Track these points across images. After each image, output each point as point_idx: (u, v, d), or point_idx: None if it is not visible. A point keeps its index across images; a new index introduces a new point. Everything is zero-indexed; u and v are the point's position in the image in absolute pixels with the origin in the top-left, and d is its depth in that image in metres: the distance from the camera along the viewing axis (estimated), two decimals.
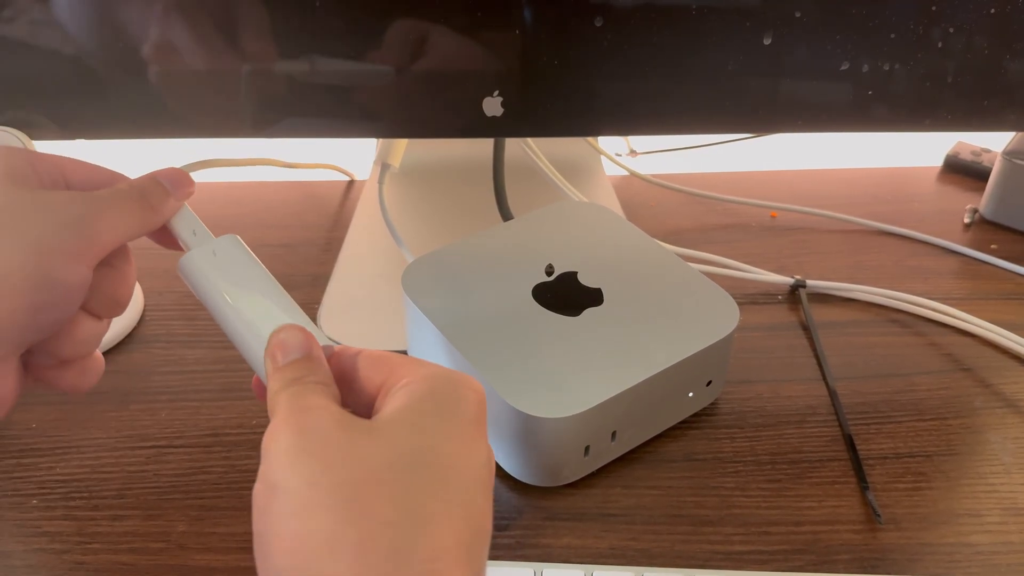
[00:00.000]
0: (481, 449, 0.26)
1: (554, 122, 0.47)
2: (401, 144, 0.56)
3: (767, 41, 0.44)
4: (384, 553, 0.22)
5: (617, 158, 0.69)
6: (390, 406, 0.26)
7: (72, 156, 0.33)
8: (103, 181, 0.33)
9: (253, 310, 0.31)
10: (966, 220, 0.64)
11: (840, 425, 0.45)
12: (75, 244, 0.28)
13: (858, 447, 0.44)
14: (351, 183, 0.70)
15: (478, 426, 0.26)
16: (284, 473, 0.23)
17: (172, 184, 0.33)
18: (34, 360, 0.31)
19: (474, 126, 0.46)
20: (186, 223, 0.33)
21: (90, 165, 0.33)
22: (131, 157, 0.76)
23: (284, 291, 0.32)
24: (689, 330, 0.43)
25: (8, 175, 0.29)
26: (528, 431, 0.39)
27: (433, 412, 0.26)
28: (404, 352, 0.48)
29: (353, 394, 0.28)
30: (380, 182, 0.55)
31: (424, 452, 0.24)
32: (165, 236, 0.34)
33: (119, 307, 0.33)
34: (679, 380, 0.42)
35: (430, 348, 0.44)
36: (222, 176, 0.71)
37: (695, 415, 0.46)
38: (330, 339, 0.30)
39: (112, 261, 0.32)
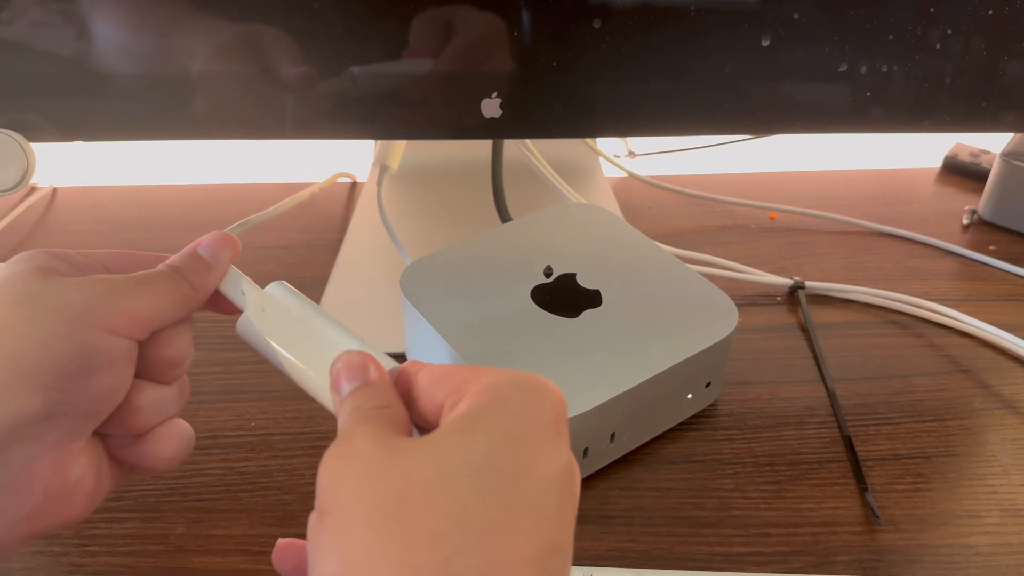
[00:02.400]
0: (558, 456, 0.24)
1: (552, 123, 0.47)
2: (399, 146, 0.56)
3: (765, 43, 0.44)
4: (431, 566, 0.20)
5: (616, 159, 0.69)
6: (447, 419, 0.24)
7: (114, 250, 0.32)
8: (147, 266, 0.31)
9: (312, 355, 0.30)
10: (965, 221, 0.64)
11: (839, 426, 0.45)
12: (109, 319, 0.28)
13: (857, 448, 0.44)
14: (350, 185, 0.70)
15: (555, 432, 0.24)
16: (329, 498, 0.23)
17: (215, 253, 0.32)
18: (113, 443, 0.30)
19: (472, 127, 0.46)
20: (233, 285, 0.33)
21: (131, 254, 0.32)
22: (131, 157, 0.76)
23: (338, 323, 0.31)
24: (688, 332, 0.43)
25: (41, 269, 0.28)
26: None
27: (495, 418, 0.24)
28: (403, 355, 0.48)
29: (417, 413, 0.27)
30: (378, 184, 0.55)
31: (482, 458, 0.22)
32: (219, 303, 0.33)
33: (177, 372, 0.32)
34: (678, 382, 0.42)
35: (429, 350, 0.44)
36: (221, 177, 0.71)
37: (694, 417, 0.46)
38: (394, 359, 0.30)
39: (164, 330, 0.31)
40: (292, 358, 0.30)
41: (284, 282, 0.32)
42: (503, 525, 0.21)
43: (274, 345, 0.31)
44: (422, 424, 0.27)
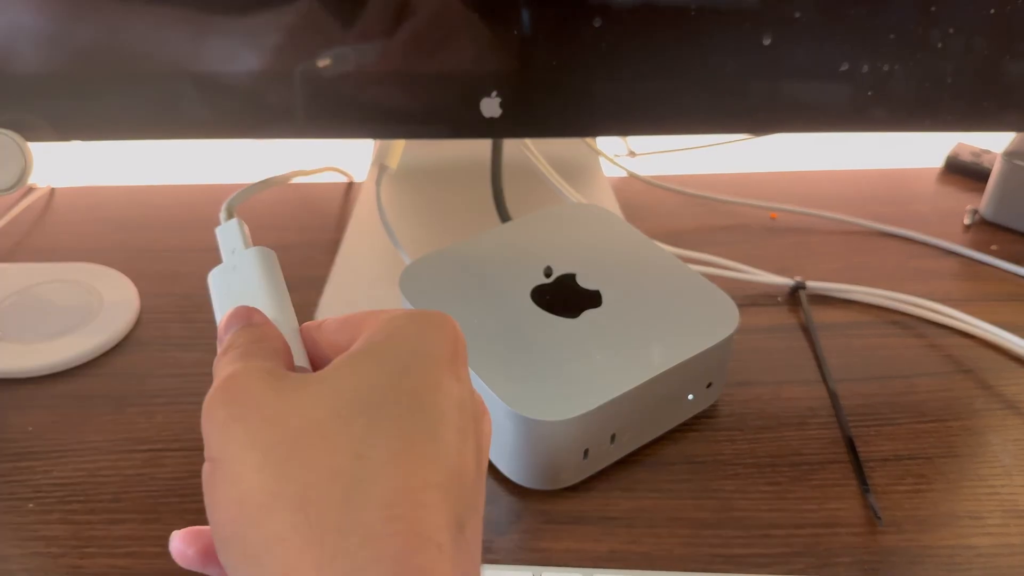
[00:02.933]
0: (453, 387, 0.23)
1: (552, 123, 0.47)
2: (398, 145, 0.56)
3: (766, 42, 0.44)
4: (331, 504, 0.20)
5: (616, 159, 0.69)
6: (340, 357, 0.23)
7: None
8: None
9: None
10: (966, 221, 0.64)
11: (840, 427, 0.45)
12: None
13: (859, 449, 0.43)
14: (348, 184, 0.69)
15: (452, 364, 0.23)
16: (219, 445, 0.22)
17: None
18: None
19: (472, 127, 0.46)
20: (229, 240, 0.33)
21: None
22: (129, 157, 0.76)
23: (287, 306, 0.30)
24: (689, 332, 0.42)
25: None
26: (527, 434, 0.38)
27: (389, 350, 0.23)
28: None
29: (325, 363, 0.26)
30: (377, 184, 0.55)
31: (376, 391, 0.22)
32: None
33: None
34: (679, 382, 0.42)
35: None
36: (220, 177, 0.71)
37: (695, 417, 0.45)
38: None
39: None
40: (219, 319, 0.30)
41: (271, 253, 0.32)
42: (403, 453, 0.21)
43: (217, 307, 0.30)
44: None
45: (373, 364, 0.23)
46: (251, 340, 0.25)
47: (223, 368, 0.24)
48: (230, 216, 0.34)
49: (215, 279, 0.31)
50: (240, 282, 0.31)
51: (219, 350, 0.26)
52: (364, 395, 0.22)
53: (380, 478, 0.20)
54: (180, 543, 0.25)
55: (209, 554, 0.25)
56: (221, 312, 0.30)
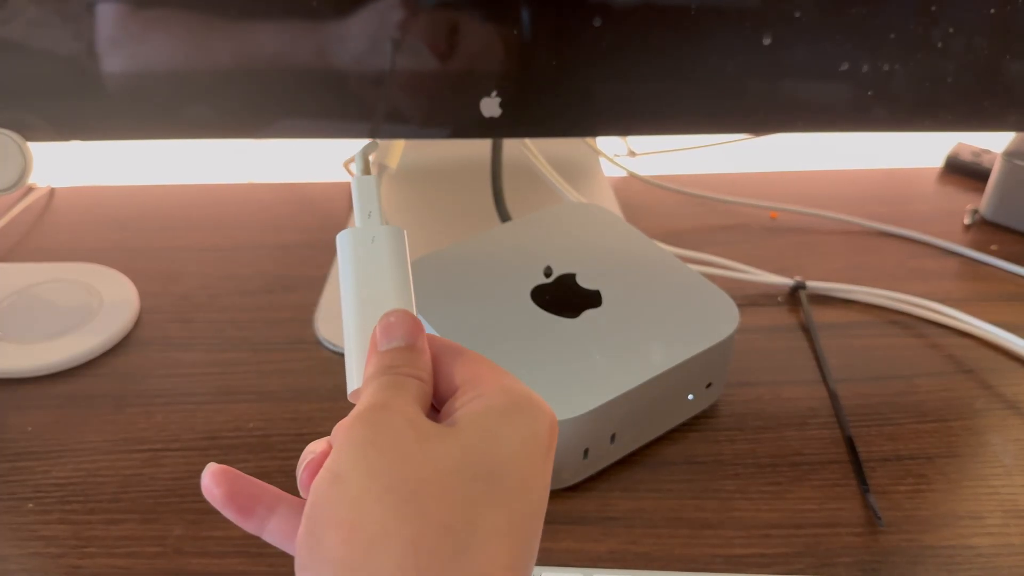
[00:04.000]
0: (548, 475, 0.25)
1: (552, 123, 0.47)
2: (398, 145, 0.56)
3: (767, 41, 0.44)
4: (441, 556, 0.21)
5: (616, 159, 0.69)
6: (466, 411, 0.25)
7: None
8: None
9: (372, 297, 0.29)
10: (966, 221, 0.64)
11: (841, 427, 0.45)
12: None
13: (859, 449, 0.43)
14: (349, 184, 0.69)
15: (548, 451, 0.25)
16: (349, 463, 0.23)
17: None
18: None
19: (472, 127, 0.46)
20: (366, 202, 0.32)
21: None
22: (128, 157, 0.76)
23: (412, 294, 0.30)
24: (689, 332, 0.42)
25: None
26: None
27: (509, 427, 0.24)
28: None
29: (433, 387, 0.28)
30: (377, 184, 0.54)
31: (495, 464, 0.23)
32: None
33: None
34: (679, 382, 0.42)
35: None
36: (219, 177, 0.71)
37: (695, 417, 0.45)
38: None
39: None
40: (353, 292, 0.29)
41: (404, 233, 0.31)
42: (504, 532, 0.22)
43: (350, 271, 0.30)
44: (433, 399, 0.27)
45: (498, 435, 0.24)
46: (410, 371, 0.26)
47: (377, 390, 0.25)
48: (366, 168, 0.33)
49: (348, 241, 0.30)
50: (377, 260, 0.30)
51: (379, 351, 0.27)
52: (486, 462, 0.23)
53: (488, 548, 0.22)
54: (210, 480, 0.26)
55: (234, 498, 0.26)
56: (350, 281, 0.29)
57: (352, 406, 0.26)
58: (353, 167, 0.34)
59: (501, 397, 0.25)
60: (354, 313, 0.29)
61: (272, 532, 0.26)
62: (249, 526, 0.26)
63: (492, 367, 0.27)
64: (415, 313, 0.29)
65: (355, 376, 0.28)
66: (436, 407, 0.27)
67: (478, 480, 0.23)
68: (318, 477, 0.23)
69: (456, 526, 0.22)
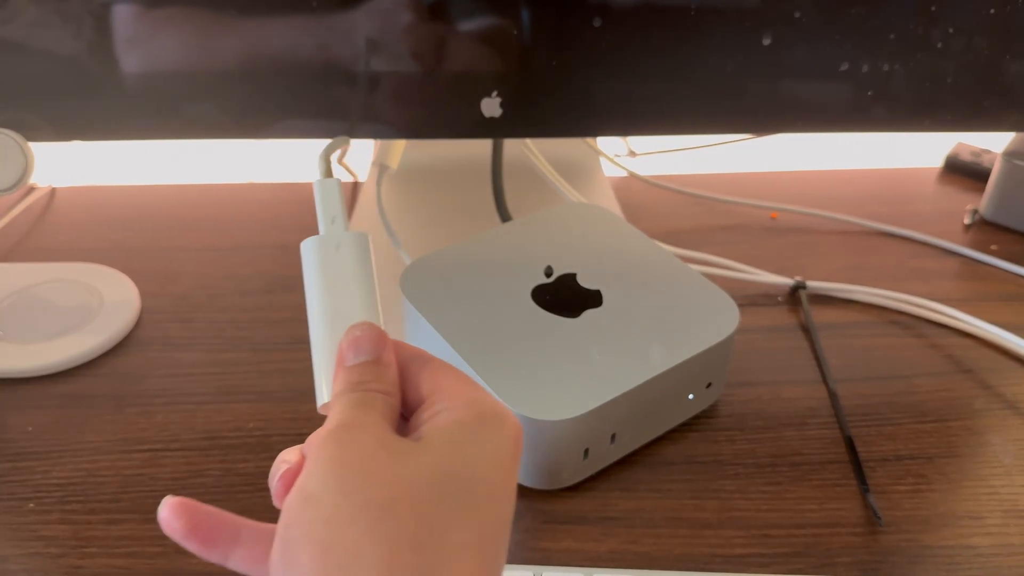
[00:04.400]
0: (514, 483, 0.26)
1: (553, 123, 0.47)
2: (399, 145, 0.56)
3: (766, 41, 0.44)
4: (415, 573, 0.22)
5: (616, 159, 0.69)
6: (433, 426, 0.25)
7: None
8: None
9: (337, 307, 0.29)
10: (966, 221, 0.64)
11: (840, 427, 0.45)
12: None
13: (858, 449, 0.43)
14: (350, 184, 0.69)
15: (514, 461, 0.26)
16: (321, 483, 0.23)
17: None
18: None
19: (472, 127, 0.46)
20: (329, 207, 0.32)
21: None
22: (129, 157, 0.76)
23: (378, 303, 0.30)
24: (689, 332, 0.42)
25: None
26: (527, 433, 0.38)
27: (475, 441, 0.25)
28: None
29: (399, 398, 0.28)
30: (378, 183, 0.55)
31: (461, 480, 0.24)
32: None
33: None
34: (679, 382, 0.42)
35: (428, 350, 0.44)
36: (219, 177, 0.71)
37: (695, 417, 0.45)
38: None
39: None
40: (318, 303, 0.29)
41: (368, 238, 0.31)
42: (470, 547, 0.23)
43: (315, 281, 0.30)
44: (402, 408, 0.28)
45: (465, 450, 0.25)
46: (377, 386, 0.27)
47: (346, 408, 0.26)
48: (328, 170, 0.33)
49: (312, 249, 0.30)
50: (342, 268, 0.30)
51: (346, 366, 0.27)
52: (455, 479, 0.24)
53: (459, 563, 0.22)
54: (169, 513, 0.27)
55: (195, 531, 0.26)
56: (315, 288, 0.29)
57: (322, 418, 0.27)
58: (318, 166, 0.33)
59: (467, 410, 0.26)
60: (320, 324, 0.29)
61: (238, 560, 0.27)
62: (213, 557, 0.27)
63: (458, 377, 0.27)
64: (381, 322, 0.29)
65: (324, 389, 0.28)
66: (405, 416, 0.27)
67: (447, 497, 0.23)
68: (290, 495, 0.24)
69: (428, 543, 0.22)
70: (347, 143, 0.34)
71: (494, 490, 0.24)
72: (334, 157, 0.34)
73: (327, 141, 0.34)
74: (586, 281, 0.46)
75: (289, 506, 0.24)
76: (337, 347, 0.28)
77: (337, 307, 0.29)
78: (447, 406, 0.26)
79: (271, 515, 0.40)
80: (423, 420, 0.26)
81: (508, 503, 0.25)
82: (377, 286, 0.30)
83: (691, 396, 0.44)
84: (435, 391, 0.27)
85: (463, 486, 0.24)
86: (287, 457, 0.27)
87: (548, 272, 0.46)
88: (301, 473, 0.24)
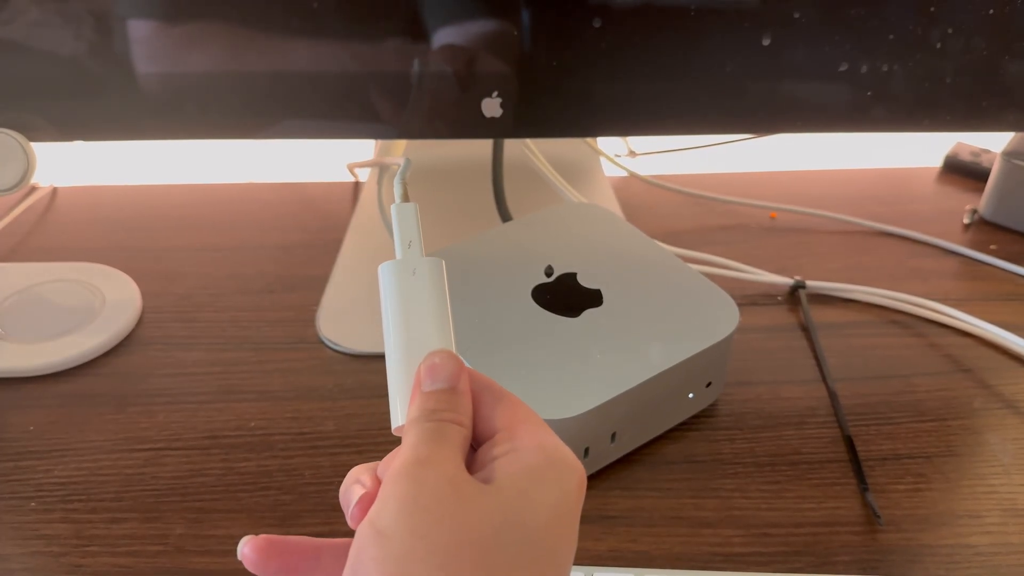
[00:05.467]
0: (575, 531, 0.26)
1: (553, 123, 0.47)
2: (400, 145, 0.56)
3: (766, 42, 0.44)
4: None
5: (616, 159, 0.69)
6: (502, 469, 0.26)
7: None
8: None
9: (414, 333, 0.29)
10: (965, 221, 0.64)
11: (840, 426, 0.45)
12: None
13: (858, 448, 0.43)
14: (351, 184, 0.70)
15: (576, 508, 0.26)
16: (393, 520, 0.24)
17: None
18: None
19: (473, 127, 0.46)
20: (406, 231, 0.32)
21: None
22: (131, 157, 0.76)
23: (451, 330, 0.30)
24: (689, 331, 0.43)
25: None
26: None
27: (543, 488, 0.25)
28: None
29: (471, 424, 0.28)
30: (378, 184, 0.55)
31: (527, 528, 0.24)
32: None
33: None
34: (679, 381, 0.42)
35: None
36: (221, 177, 0.71)
37: (695, 417, 0.45)
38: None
39: None
40: (395, 327, 0.30)
41: (443, 264, 0.31)
42: None
43: (392, 305, 0.30)
44: (472, 439, 0.28)
45: (532, 497, 0.25)
46: (452, 416, 0.27)
47: (420, 441, 0.26)
48: (405, 194, 0.33)
49: (389, 274, 0.30)
50: (418, 293, 0.30)
51: (423, 391, 0.27)
52: (521, 527, 0.24)
53: None
54: (253, 554, 0.27)
55: (283, 569, 0.27)
56: (392, 312, 0.30)
57: (396, 440, 0.27)
58: (396, 190, 0.33)
59: (536, 456, 0.26)
60: (397, 348, 0.29)
61: None
62: None
63: (528, 415, 0.27)
64: (455, 349, 0.29)
65: (399, 413, 0.28)
66: (473, 447, 0.27)
67: (512, 545, 0.24)
68: (363, 525, 0.24)
69: None
70: (410, 163, 0.35)
71: (556, 539, 0.25)
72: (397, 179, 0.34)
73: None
74: (586, 281, 0.46)
75: (362, 534, 0.24)
76: (413, 372, 0.28)
77: (414, 331, 0.29)
78: (516, 447, 0.26)
79: (272, 514, 0.40)
80: (493, 456, 0.26)
81: (568, 551, 0.25)
82: (451, 313, 0.30)
83: (691, 395, 0.44)
84: (506, 428, 0.27)
85: (527, 534, 0.24)
86: (361, 479, 0.27)
87: (548, 272, 0.46)
88: (375, 503, 0.25)
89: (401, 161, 0.35)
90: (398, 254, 0.31)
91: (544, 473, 0.25)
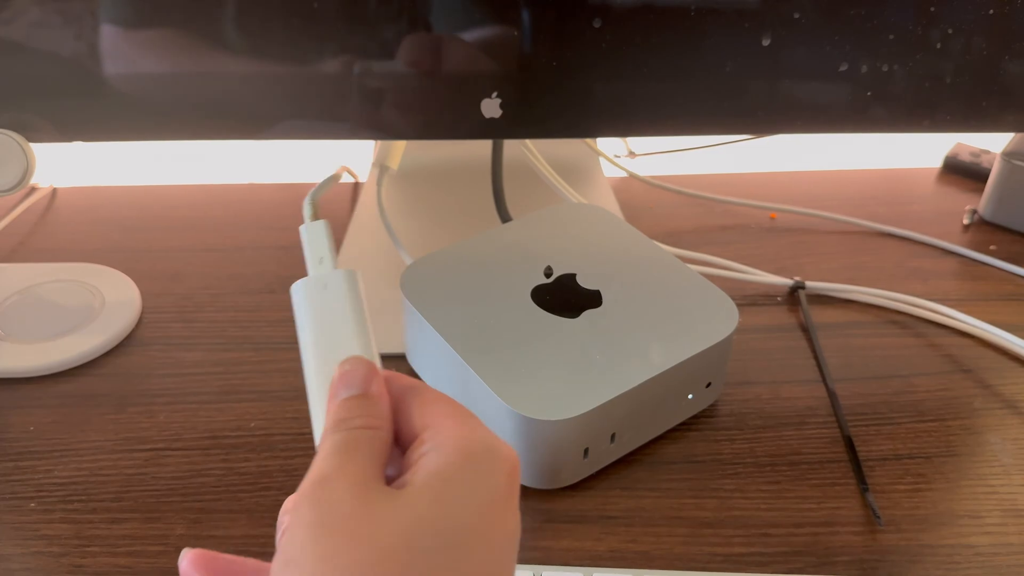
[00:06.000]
0: (509, 522, 0.24)
1: (553, 123, 0.47)
2: (399, 146, 0.56)
3: (766, 42, 0.44)
4: None
5: (616, 159, 0.69)
6: (420, 470, 0.24)
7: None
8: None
9: (328, 347, 0.29)
10: (965, 221, 0.64)
11: (839, 426, 0.45)
12: None
13: (858, 448, 0.43)
14: (351, 185, 0.70)
15: (508, 499, 0.25)
16: (300, 548, 0.22)
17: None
18: None
19: (472, 128, 0.46)
20: (316, 248, 0.31)
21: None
22: (131, 157, 0.76)
23: (371, 337, 0.30)
24: (688, 332, 0.43)
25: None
26: (527, 433, 0.39)
27: (464, 485, 0.24)
28: (402, 355, 0.48)
29: (393, 432, 0.27)
30: (378, 184, 0.55)
31: (451, 531, 0.23)
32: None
33: None
34: (678, 382, 0.42)
35: (429, 351, 0.44)
36: (221, 177, 0.71)
37: (694, 417, 0.45)
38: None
39: None
40: (310, 345, 0.29)
41: (358, 274, 0.31)
42: None
43: (305, 324, 0.30)
44: (399, 443, 0.27)
45: (452, 498, 0.23)
46: (363, 421, 0.26)
47: (324, 457, 0.25)
48: (315, 213, 0.33)
49: (301, 292, 0.30)
50: (330, 306, 0.30)
51: (334, 402, 0.27)
52: (441, 531, 0.23)
53: None
54: (190, 566, 0.27)
55: None
56: (306, 331, 0.29)
57: None
58: (305, 210, 0.33)
59: (455, 451, 0.24)
60: (312, 366, 0.29)
61: None
62: None
63: (449, 410, 0.26)
64: (374, 355, 0.29)
65: (318, 430, 0.27)
66: (403, 451, 0.26)
67: (432, 552, 0.22)
68: (274, 560, 0.23)
69: None
70: (336, 181, 0.34)
71: (485, 538, 0.23)
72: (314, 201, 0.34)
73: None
74: (586, 281, 0.46)
75: (273, 570, 0.23)
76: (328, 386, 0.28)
77: (328, 346, 0.29)
78: (436, 444, 0.25)
79: (272, 515, 0.40)
80: (413, 460, 0.25)
81: (504, 547, 0.24)
82: (369, 320, 0.30)
83: (690, 396, 0.44)
84: (427, 426, 0.26)
85: (448, 538, 0.22)
86: (288, 507, 0.26)
87: (548, 272, 0.46)
88: (285, 532, 0.23)
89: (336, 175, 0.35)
90: (310, 273, 0.31)
91: (462, 470, 0.24)
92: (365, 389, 0.27)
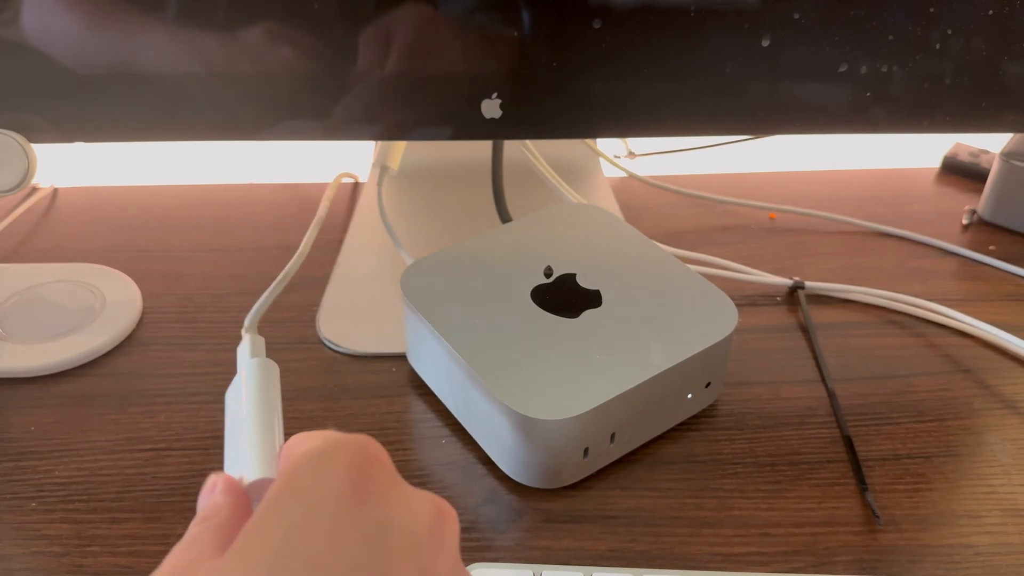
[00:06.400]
0: (359, 523, 0.21)
1: (552, 124, 0.47)
2: (399, 146, 0.56)
3: (765, 43, 0.44)
4: None
5: (615, 160, 0.69)
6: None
7: None
8: None
9: (231, 456, 0.32)
10: (964, 221, 0.64)
11: (839, 426, 0.45)
12: None
13: (857, 448, 0.44)
14: (351, 185, 0.70)
15: (356, 493, 0.21)
16: None
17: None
18: None
19: (472, 128, 0.46)
20: (243, 353, 0.36)
21: None
22: (131, 158, 0.76)
23: (269, 422, 0.32)
24: (688, 332, 0.43)
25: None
26: (527, 433, 0.39)
27: (285, 511, 0.21)
28: (402, 356, 0.48)
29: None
30: (379, 184, 0.55)
31: (278, 567, 0.20)
32: None
33: None
34: (678, 382, 0.42)
35: (429, 351, 0.44)
36: (221, 178, 0.71)
37: (694, 417, 0.46)
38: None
39: None
40: (226, 439, 0.32)
41: (273, 366, 0.34)
42: None
43: (226, 424, 0.33)
44: None
45: (270, 534, 0.21)
46: (198, 520, 0.25)
47: (172, 555, 0.23)
48: (251, 331, 0.37)
49: (228, 395, 0.33)
50: (238, 396, 0.33)
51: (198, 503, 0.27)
52: (264, 564, 0.20)
53: None
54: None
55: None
56: (229, 430, 0.32)
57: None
58: (243, 332, 0.36)
59: (279, 481, 0.22)
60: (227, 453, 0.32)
61: None
62: None
63: (292, 451, 0.27)
64: (275, 440, 0.31)
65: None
66: None
67: None
68: None
69: None
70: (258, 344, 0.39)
71: (328, 550, 0.20)
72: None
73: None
74: (586, 281, 0.46)
75: None
76: None
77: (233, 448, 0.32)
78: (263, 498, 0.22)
79: None
80: None
81: (371, 542, 0.21)
82: (275, 402, 0.33)
83: (690, 396, 0.44)
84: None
85: (285, 570, 0.20)
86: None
87: (548, 272, 0.46)
88: None
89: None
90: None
91: (283, 493, 0.22)
92: (208, 500, 0.27)
